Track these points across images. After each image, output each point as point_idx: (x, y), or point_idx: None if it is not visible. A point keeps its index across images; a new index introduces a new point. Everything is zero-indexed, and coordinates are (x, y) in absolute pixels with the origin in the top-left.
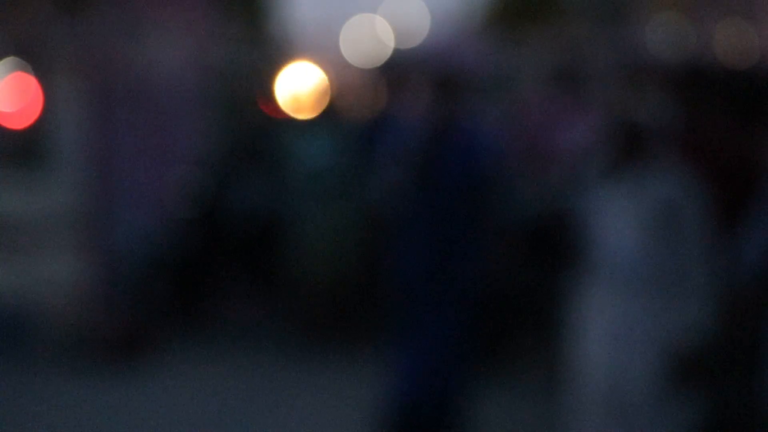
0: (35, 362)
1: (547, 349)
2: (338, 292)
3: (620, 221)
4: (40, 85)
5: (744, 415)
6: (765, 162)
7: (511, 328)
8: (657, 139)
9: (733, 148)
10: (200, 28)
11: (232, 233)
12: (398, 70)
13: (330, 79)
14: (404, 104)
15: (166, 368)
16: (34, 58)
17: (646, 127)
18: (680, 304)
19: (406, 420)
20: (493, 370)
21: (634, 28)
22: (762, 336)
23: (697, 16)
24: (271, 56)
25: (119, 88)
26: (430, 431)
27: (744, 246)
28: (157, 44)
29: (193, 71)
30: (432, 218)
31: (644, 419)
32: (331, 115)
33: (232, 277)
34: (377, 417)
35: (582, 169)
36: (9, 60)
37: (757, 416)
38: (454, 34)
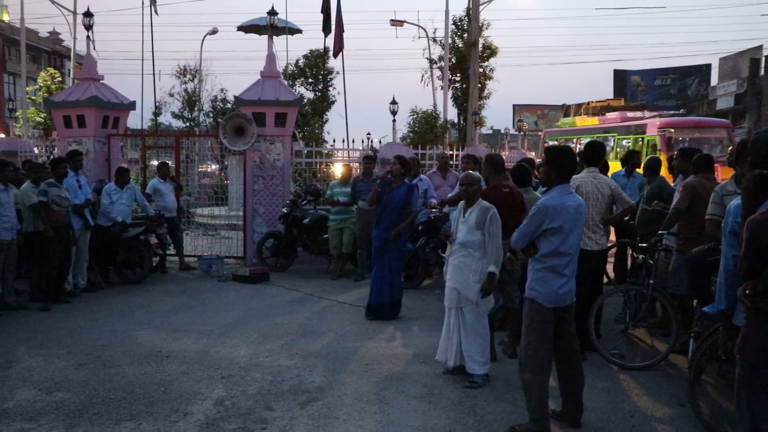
0: (221, 281)
1: (435, 274)
2: (347, 252)
3: (462, 225)
4: (221, 164)
5: (510, 304)
6: (521, 200)
7: (419, 265)
8: (478, 190)
9: (509, 194)
10: (289, 140)
11: (302, 225)
12: (374, 158)
13: (350, 164)
14: (378, 172)
15: (271, 284)
16: (222, 155)
17: (475, 186)
18: (486, 257)
19: (377, 307)
20: (411, 283)
21: (472, 147)
22: (517, 273)
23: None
24: (322, 153)
25: (257, 164)
26: (387, 311)
27: (514, 234)
28: (270, 147)
29: (286, 158)
30: (387, 219)
31: (471, 306)
32: (348, 177)
33: (300, 245)
34: (366, 307)
35: (447, 203)
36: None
37: (515, 303)
38: (395, 145)
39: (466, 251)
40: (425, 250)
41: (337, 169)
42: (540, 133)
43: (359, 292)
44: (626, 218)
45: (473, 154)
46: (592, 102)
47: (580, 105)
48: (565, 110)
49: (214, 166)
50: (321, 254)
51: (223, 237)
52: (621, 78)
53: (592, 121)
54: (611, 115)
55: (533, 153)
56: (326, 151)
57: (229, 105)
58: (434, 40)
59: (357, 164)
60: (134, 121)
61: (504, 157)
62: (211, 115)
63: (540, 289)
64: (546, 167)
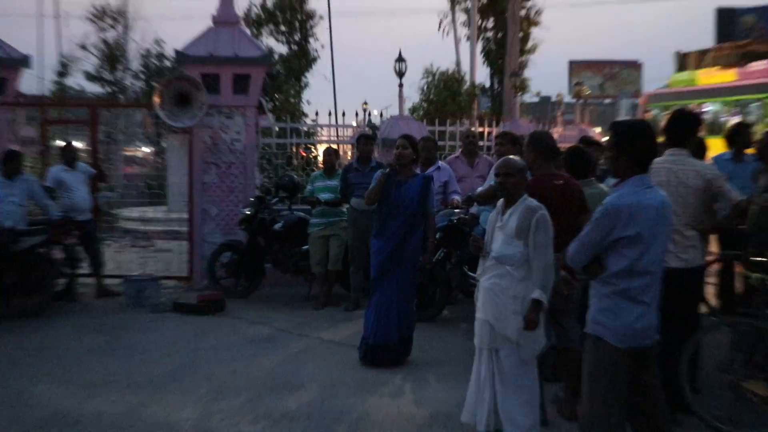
0: (156, 312)
1: (460, 301)
2: (335, 269)
3: (499, 231)
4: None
5: (566, 344)
6: (581, 197)
7: (436, 288)
8: (522, 182)
9: (563, 188)
10: (254, 114)
11: (271, 233)
12: (373, 138)
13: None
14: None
15: (228, 316)
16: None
17: (517, 178)
18: (531, 278)
19: (378, 348)
20: (426, 314)
21: (510, 121)
22: (575, 300)
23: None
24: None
25: (208, 147)
26: (392, 353)
27: (572, 246)
28: (227, 122)
29: (250, 139)
30: (394, 225)
31: (510, 346)
32: (336, 165)
33: (270, 260)
34: (361, 348)
35: (476, 200)
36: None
37: (573, 342)
38: (403, 119)
39: (502, 269)
40: (445, 266)
41: (322, 154)
42: (607, 101)
43: (352, 326)
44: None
45: (512, 131)
46: (726, 46)
47: (703, 52)
48: (680, 61)
49: (146, 150)
50: (299, 273)
51: (159, 250)
52: (727, 19)
53: (724, 76)
54: (756, 65)
55: (598, 129)
56: (306, 129)
57: (167, 63)
58: None
59: (349, 147)
60: (30, 84)
61: (556, 135)
62: (143, 76)
63: (608, 322)
64: (614, 151)
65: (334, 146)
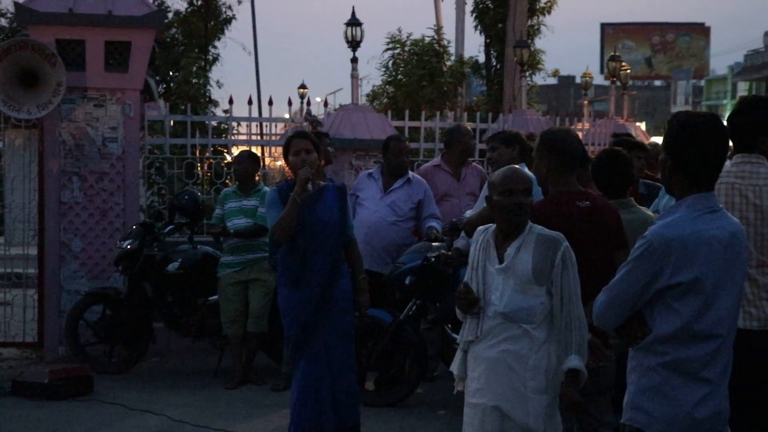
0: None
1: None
2: (257, 330)
3: (502, 276)
4: None
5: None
6: (616, 225)
7: (405, 356)
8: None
9: (589, 212)
10: (137, 100)
11: (163, 277)
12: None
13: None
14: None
15: (98, 401)
16: None
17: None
18: (556, 340)
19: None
20: (390, 395)
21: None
22: (602, 375)
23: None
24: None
25: (68, 150)
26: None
27: (600, 297)
28: (97, 113)
29: (132, 138)
30: (319, 267)
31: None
32: (254, 178)
33: (162, 318)
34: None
35: (464, 229)
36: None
37: None
38: (357, 111)
39: (516, 330)
40: (418, 326)
41: (234, 162)
42: (657, 83)
43: (284, 415)
44: None
45: (513, 130)
46: None
47: None
48: None
49: None
50: (203, 337)
51: None
52: None
53: None
54: None
55: (643, 125)
56: (216, 124)
57: (4, 22)
58: None
59: (279, 150)
60: None
61: (581, 133)
62: None
63: (655, 408)
64: (663, 157)
65: (255, 150)
